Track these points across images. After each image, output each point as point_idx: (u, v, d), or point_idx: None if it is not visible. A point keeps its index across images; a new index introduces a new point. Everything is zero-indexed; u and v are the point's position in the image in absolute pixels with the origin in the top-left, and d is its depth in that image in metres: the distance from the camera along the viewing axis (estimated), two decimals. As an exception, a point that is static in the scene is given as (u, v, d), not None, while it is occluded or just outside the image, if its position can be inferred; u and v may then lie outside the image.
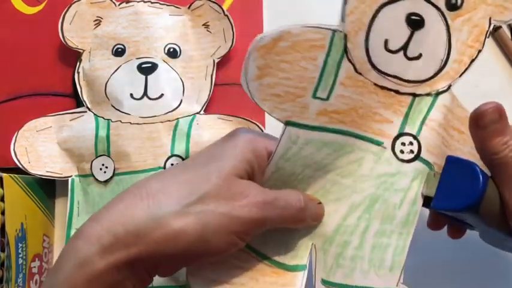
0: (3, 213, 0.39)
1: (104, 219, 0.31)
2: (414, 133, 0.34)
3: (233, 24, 0.48)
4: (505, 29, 0.51)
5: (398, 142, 0.34)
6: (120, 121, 0.47)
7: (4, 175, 0.41)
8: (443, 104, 0.34)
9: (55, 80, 0.50)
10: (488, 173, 0.33)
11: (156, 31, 0.48)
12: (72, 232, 0.46)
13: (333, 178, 0.34)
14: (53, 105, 0.49)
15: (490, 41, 0.50)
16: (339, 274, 0.35)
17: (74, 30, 0.48)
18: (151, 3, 0.49)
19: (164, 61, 0.48)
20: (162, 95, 0.47)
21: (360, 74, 0.33)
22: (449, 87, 0.34)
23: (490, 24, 0.34)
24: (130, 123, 0.46)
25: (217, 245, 0.31)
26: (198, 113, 0.48)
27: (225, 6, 0.50)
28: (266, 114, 0.34)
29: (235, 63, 0.50)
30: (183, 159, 0.46)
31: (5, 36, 0.50)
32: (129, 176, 0.46)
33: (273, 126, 0.42)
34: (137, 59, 0.47)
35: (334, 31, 0.32)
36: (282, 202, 0.33)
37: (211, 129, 0.47)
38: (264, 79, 0.32)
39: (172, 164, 0.46)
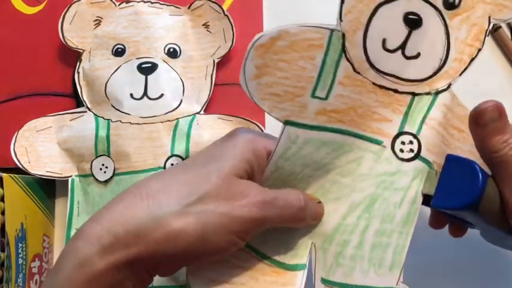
0: (3, 213, 0.39)
1: (104, 219, 0.31)
2: (414, 132, 0.34)
3: (233, 24, 0.48)
4: (505, 28, 0.51)
5: (398, 141, 0.34)
6: (120, 121, 0.47)
7: (4, 175, 0.41)
8: (443, 103, 0.34)
9: (55, 80, 0.50)
10: (489, 172, 0.33)
11: (156, 31, 0.48)
12: (72, 232, 0.46)
13: (332, 177, 0.34)
14: (53, 105, 0.49)
15: (489, 40, 0.50)
16: (339, 273, 0.35)
17: (74, 30, 0.48)
18: (151, 3, 0.49)
19: (164, 61, 0.48)
20: (162, 95, 0.47)
21: (358, 73, 0.33)
22: (449, 86, 0.34)
23: (489, 22, 0.34)
24: (130, 123, 0.46)
25: (217, 245, 0.31)
26: (198, 113, 0.48)
27: (225, 6, 0.50)
28: (266, 114, 0.34)
29: (235, 63, 0.50)
30: (183, 159, 0.46)
31: (5, 36, 0.50)
32: (129, 176, 0.46)
33: (272, 126, 0.42)
34: (137, 59, 0.47)
35: (332, 30, 0.32)
36: (282, 201, 0.33)
37: (211, 129, 0.47)
38: (262, 78, 0.32)
39: (172, 164, 0.46)
